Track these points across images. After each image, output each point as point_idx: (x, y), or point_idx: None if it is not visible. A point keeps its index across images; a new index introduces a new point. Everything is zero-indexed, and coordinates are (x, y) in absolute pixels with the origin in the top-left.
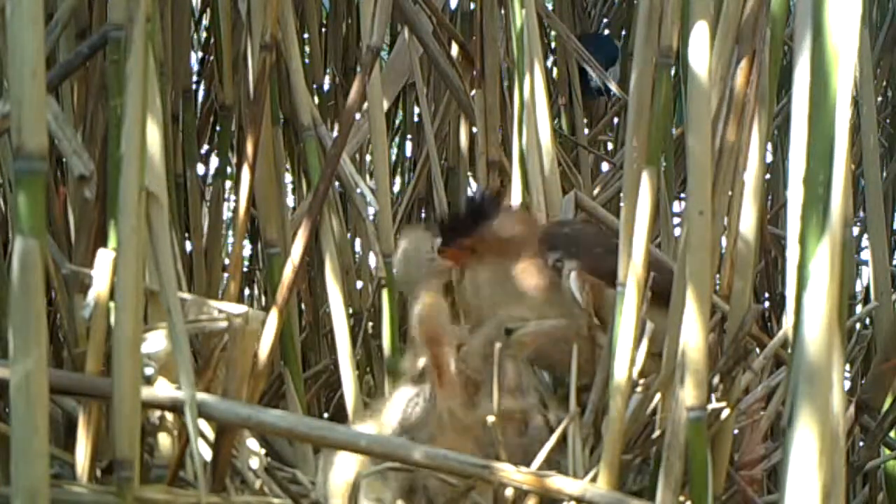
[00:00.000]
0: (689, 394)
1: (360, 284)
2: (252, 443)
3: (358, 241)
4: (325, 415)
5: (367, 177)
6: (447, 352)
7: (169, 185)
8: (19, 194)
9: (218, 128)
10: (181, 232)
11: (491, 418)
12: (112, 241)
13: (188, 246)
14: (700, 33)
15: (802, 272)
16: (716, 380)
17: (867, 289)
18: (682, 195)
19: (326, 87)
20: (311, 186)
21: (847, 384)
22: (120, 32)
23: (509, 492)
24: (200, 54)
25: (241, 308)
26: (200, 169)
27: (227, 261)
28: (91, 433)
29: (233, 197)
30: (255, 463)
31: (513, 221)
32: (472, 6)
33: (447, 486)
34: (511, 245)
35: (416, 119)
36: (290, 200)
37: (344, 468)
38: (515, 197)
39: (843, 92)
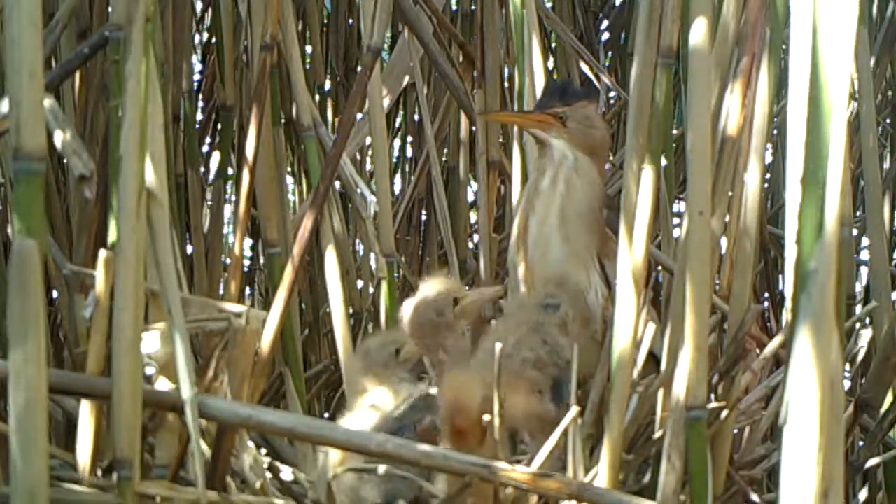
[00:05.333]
0: (689, 394)
1: (360, 284)
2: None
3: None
4: (325, 415)
5: (368, 177)
6: (475, 422)
7: (170, 186)
8: (18, 194)
9: (219, 127)
10: (182, 232)
11: (486, 417)
12: (112, 241)
13: (189, 246)
14: (700, 33)
15: (800, 272)
16: (715, 379)
17: (867, 289)
18: (682, 195)
19: (327, 87)
20: (312, 187)
21: (847, 384)
22: (120, 33)
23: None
24: (202, 54)
25: (241, 307)
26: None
27: (228, 261)
28: (92, 433)
29: (234, 197)
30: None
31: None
32: (473, 7)
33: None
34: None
35: (416, 119)
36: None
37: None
38: (515, 197)
39: (840, 93)
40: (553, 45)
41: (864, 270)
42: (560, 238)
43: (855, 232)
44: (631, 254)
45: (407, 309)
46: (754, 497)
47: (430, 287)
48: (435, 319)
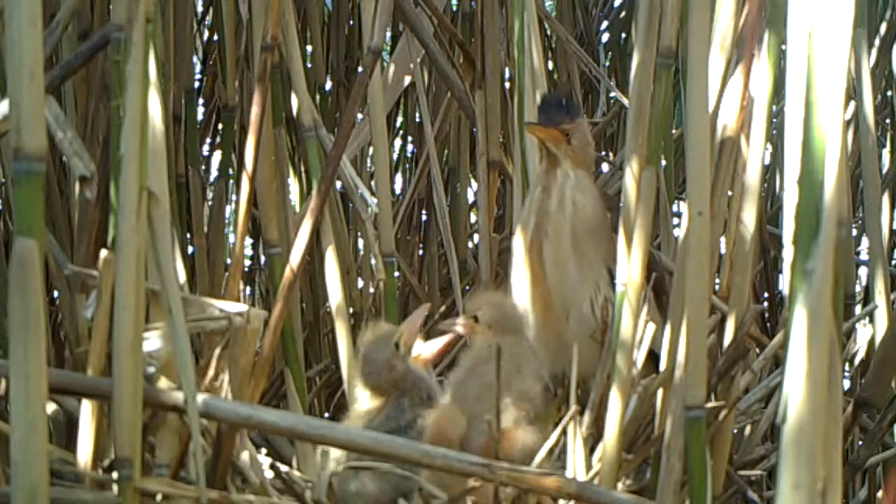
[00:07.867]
0: (688, 393)
1: (360, 284)
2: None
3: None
4: (326, 415)
5: (368, 177)
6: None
7: (171, 186)
8: (18, 194)
9: (220, 128)
10: (183, 232)
11: (487, 417)
12: (113, 241)
13: (190, 246)
14: (700, 34)
15: (797, 272)
16: (715, 379)
17: (866, 289)
18: (682, 195)
19: (328, 87)
20: (312, 187)
21: (847, 384)
22: (121, 33)
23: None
24: (203, 54)
25: (242, 307)
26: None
27: (228, 260)
28: (93, 432)
29: (234, 197)
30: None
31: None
32: (473, 4)
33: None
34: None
35: (416, 119)
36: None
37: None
38: (516, 197)
39: (836, 94)
40: (553, 45)
41: (863, 270)
42: (575, 259)
43: (854, 232)
44: (631, 254)
45: (362, 376)
46: (753, 497)
47: (372, 345)
48: (389, 376)
